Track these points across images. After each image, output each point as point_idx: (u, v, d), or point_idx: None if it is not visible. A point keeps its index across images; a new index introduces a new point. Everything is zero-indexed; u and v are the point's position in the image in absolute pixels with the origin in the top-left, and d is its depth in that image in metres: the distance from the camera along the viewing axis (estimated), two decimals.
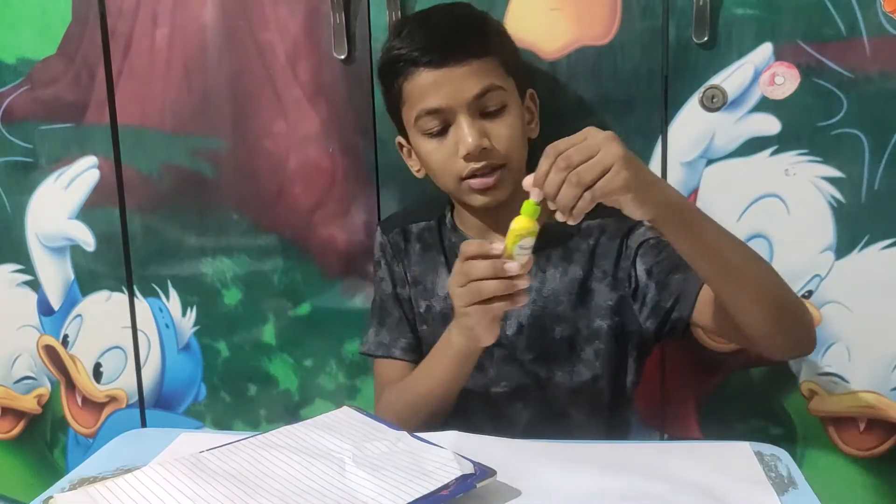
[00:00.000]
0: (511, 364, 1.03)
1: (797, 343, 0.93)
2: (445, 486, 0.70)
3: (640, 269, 0.99)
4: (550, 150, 0.78)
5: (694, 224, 0.83)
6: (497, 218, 1.01)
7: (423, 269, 1.07)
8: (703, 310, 0.94)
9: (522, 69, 1.03)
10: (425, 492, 0.69)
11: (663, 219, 0.82)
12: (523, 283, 0.82)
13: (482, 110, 0.95)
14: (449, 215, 1.09)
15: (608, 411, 1.03)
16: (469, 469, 0.73)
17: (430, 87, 0.94)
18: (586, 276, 1.01)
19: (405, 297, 1.09)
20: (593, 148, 0.76)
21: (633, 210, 0.79)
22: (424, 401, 0.97)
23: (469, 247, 0.83)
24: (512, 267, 0.81)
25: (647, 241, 1.00)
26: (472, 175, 0.95)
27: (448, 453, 0.76)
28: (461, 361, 0.93)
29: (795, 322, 0.90)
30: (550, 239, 1.01)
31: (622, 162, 0.75)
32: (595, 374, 1.02)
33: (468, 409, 1.02)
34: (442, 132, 0.96)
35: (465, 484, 0.71)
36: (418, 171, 1.04)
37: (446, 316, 1.03)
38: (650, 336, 1.01)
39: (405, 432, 0.82)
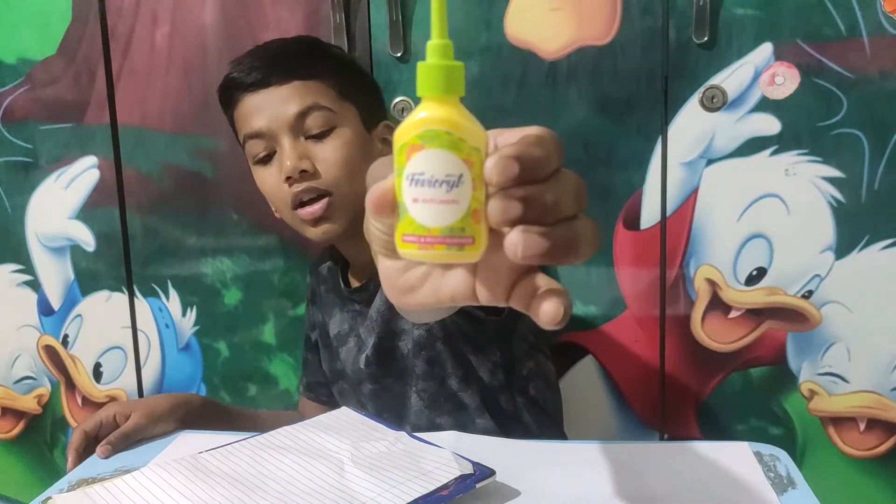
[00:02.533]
0: (378, 394, 0.98)
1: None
2: (445, 486, 0.70)
3: None
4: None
5: None
6: (352, 257, 1.00)
7: (324, 310, 1.06)
8: None
9: (373, 100, 0.99)
10: (424, 492, 0.69)
11: None
12: None
13: (307, 132, 0.91)
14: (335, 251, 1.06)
15: (506, 410, 0.96)
16: (468, 469, 0.73)
17: (253, 110, 0.91)
18: None
19: (312, 339, 1.11)
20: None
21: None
22: None
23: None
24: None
25: None
26: (300, 203, 0.90)
27: (447, 453, 0.76)
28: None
29: None
30: None
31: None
32: (462, 381, 0.94)
33: None
34: (268, 158, 0.92)
35: (464, 484, 0.71)
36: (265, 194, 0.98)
37: (335, 355, 1.03)
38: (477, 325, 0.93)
39: (404, 432, 0.82)
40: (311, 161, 0.90)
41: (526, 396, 0.98)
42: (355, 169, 0.91)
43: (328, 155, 0.91)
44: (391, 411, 0.98)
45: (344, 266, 1.05)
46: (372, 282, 0.98)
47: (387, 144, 0.97)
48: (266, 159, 0.93)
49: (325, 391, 1.11)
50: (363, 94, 0.97)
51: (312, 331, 1.11)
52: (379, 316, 0.95)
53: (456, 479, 0.71)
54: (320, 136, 0.91)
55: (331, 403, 1.11)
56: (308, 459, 0.76)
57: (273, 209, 0.99)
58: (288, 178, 0.90)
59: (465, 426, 0.94)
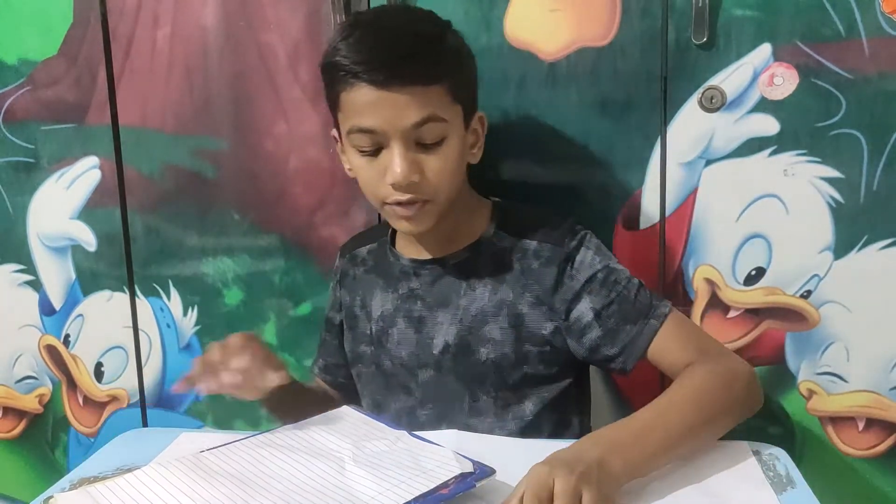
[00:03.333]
0: (436, 386, 1.00)
1: (755, 410, 0.89)
2: (445, 485, 0.70)
3: (586, 306, 0.94)
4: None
5: (661, 457, 0.78)
6: (425, 240, 1.00)
7: (365, 294, 1.06)
8: (650, 361, 0.93)
9: (473, 91, 0.97)
10: (425, 490, 0.69)
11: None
12: None
13: (418, 140, 0.89)
14: (389, 233, 1.06)
15: (536, 428, 0.98)
16: (469, 468, 0.73)
17: (367, 106, 0.88)
18: (516, 298, 0.97)
19: (335, 321, 1.11)
20: None
21: None
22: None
23: None
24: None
25: (595, 275, 0.94)
26: (397, 202, 0.91)
27: (448, 452, 0.76)
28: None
29: (747, 407, 0.88)
30: (484, 256, 0.99)
31: None
32: (520, 397, 0.98)
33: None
34: (374, 153, 0.90)
35: (464, 483, 0.71)
36: (349, 170, 0.97)
37: (379, 338, 1.03)
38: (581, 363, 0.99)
39: (405, 431, 0.82)
40: (420, 170, 0.90)
41: (577, 420, 1.03)
42: (455, 175, 0.93)
43: (436, 166, 0.90)
44: (440, 406, 1.00)
45: (391, 245, 1.05)
46: (450, 256, 0.99)
47: (475, 136, 0.98)
48: (369, 152, 0.91)
49: (342, 373, 1.12)
50: (468, 90, 0.96)
51: (338, 312, 1.10)
52: (479, 313, 0.97)
53: (456, 477, 0.71)
54: (431, 147, 0.90)
55: (346, 387, 1.12)
56: (309, 458, 0.77)
57: (349, 172, 0.98)
58: (394, 184, 0.89)
59: (519, 435, 0.96)
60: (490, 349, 0.97)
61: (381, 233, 1.08)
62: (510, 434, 0.96)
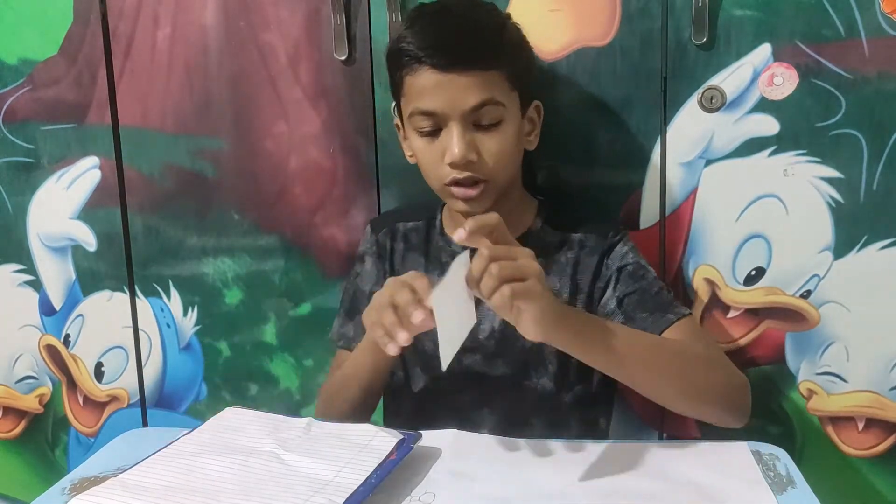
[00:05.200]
0: (480, 370, 1.02)
1: (721, 422, 0.92)
2: (391, 454, 0.76)
3: (611, 293, 0.99)
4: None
5: (599, 352, 0.83)
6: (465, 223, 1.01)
7: (406, 270, 1.05)
8: None
9: (531, 80, 1.01)
10: (377, 462, 0.74)
11: (559, 344, 0.82)
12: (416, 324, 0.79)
13: (476, 122, 0.93)
14: (439, 217, 1.08)
15: (573, 424, 1.02)
16: (398, 435, 0.79)
17: (429, 88, 0.92)
18: (562, 288, 1.01)
19: (367, 291, 1.08)
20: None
21: (528, 326, 0.77)
22: (349, 382, 0.99)
23: (414, 279, 0.82)
24: (416, 316, 0.79)
25: (626, 266, 1.00)
26: (456, 183, 0.95)
27: (369, 426, 0.81)
28: (377, 352, 0.92)
29: (718, 412, 0.91)
30: (532, 247, 1.00)
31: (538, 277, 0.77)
32: (559, 387, 1.01)
33: (432, 411, 1.03)
34: (433, 133, 0.95)
35: (405, 447, 0.77)
36: (410, 156, 1.02)
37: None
38: None
39: (309, 418, 0.84)
40: (477, 151, 0.93)
41: (604, 422, 1.07)
42: (511, 160, 0.97)
43: (492, 147, 0.94)
44: (482, 389, 1.01)
45: (440, 227, 1.07)
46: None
47: (532, 124, 1.01)
48: (429, 133, 0.95)
49: None
50: (526, 79, 0.99)
51: (375, 285, 1.08)
52: None
53: (395, 445, 0.77)
54: (488, 128, 0.94)
55: None
56: (240, 457, 0.76)
57: (410, 158, 1.02)
58: (452, 164, 0.93)
59: (552, 428, 1.00)
60: None
61: (421, 213, 1.09)
62: (546, 423, 1.00)
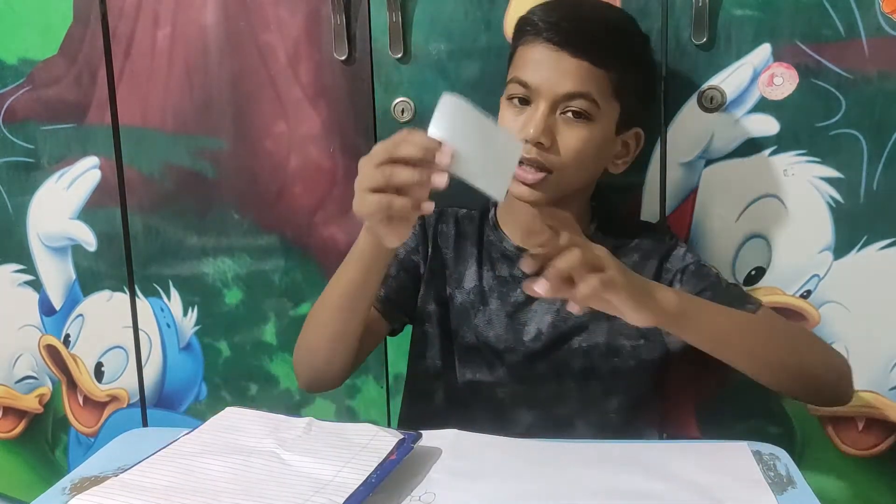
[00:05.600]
0: (523, 369, 1.01)
1: (829, 400, 0.96)
2: (391, 453, 0.75)
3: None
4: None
5: (696, 324, 0.84)
6: (524, 221, 1.01)
7: (455, 257, 1.05)
8: None
9: (642, 106, 1.00)
10: (378, 462, 0.73)
11: (662, 324, 0.83)
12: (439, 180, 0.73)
13: (564, 109, 0.92)
14: (493, 210, 1.07)
15: (618, 428, 1.02)
16: (398, 435, 0.79)
17: (535, 60, 0.92)
18: None
19: (417, 264, 1.05)
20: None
21: (629, 314, 0.79)
22: (337, 303, 0.93)
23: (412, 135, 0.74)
24: (442, 159, 0.72)
25: (688, 266, 0.99)
26: (519, 161, 0.89)
27: (369, 426, 0.80)
28: (367, 263, 0.88)
29: (824, 385, 0.92)
30: None
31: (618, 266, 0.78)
32: (606, 391, 1.01)
33: (470, 404, 1.03)
34: (522, 103, 0.94)
35: (405, 447, 0.77)
36: None
37: (467, 311, 1.03)
38: (670, 355, 1.02)
39: (310, 417, 0.84)
40: (552, 138, 0.92)
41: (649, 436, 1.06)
42: (585, 163, 0.95)
43: (569, 141, 0.93)
44: (524, 388, 1.01)
45: (493, 220, 1.05)
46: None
47: (625, 149, 1.00)
48: (517, 103, 0.95)
49: (399, 312, 1.04)
50: (635, 96, 0.97)
51: (423, 259, 1.05)
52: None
53: (396, 444, 0.77)
54: (573, 121, 0.93)
55: (394, 324, 1.05)
56: (241, 457, 0.76)
57: None
58: (523, 139, 0.91)
59: (595, 431, 1.00)
60: (584, 338, 1.00)
61: (478, 203, 1.07)
62: (589, 426, 1.00)
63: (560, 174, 0.94)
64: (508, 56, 1.00)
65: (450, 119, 0.74)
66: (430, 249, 1.05)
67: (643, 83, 1.00)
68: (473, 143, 0.74)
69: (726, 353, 0.87)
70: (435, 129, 0.74)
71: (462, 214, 1.07)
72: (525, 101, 0.94)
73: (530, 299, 1.00)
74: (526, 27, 0.95)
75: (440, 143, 0.73)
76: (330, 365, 0.97)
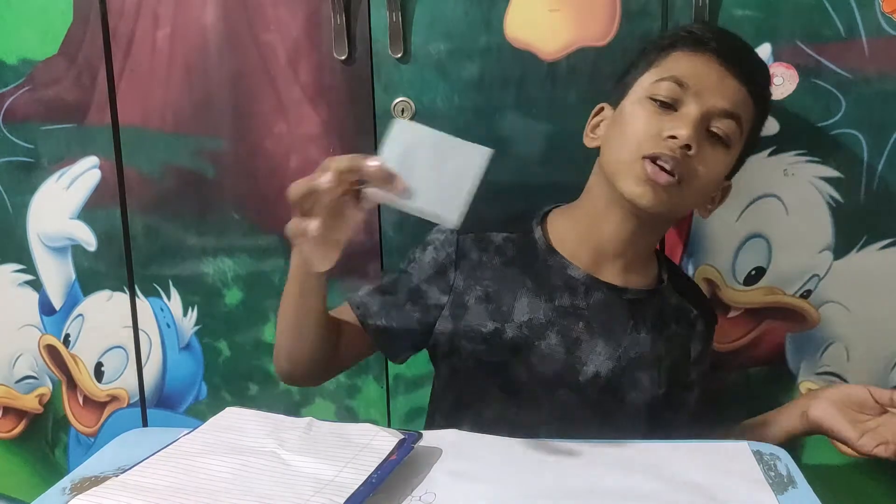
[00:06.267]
0: (571, 410, 0.96)
1: None
2: (392, 453, 0.75)
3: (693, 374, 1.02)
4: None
5: None
6: (599, 253, 0.96)
7: (501, 288, 0.96)
8: None
9: (745, 153, 0.96)
10: (378, 462, 0.73)
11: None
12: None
13: (709, 127, 0.89)
14: (539, 230, 0.99)
15: None
16: (399, 435, 0.78)
17: (698, 66, 0.89)
18: (670, 354, 0.98)
19: (430, 301, 0.98)
20: None
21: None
22: (283, 314, 0.93)
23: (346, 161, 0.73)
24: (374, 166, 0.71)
25: (702, 368, 1.02)
26: (654, 158, 0.87)
27: (370, 426, 0.80)
28: (301, 284, 0.88)
29: None
30: (655, 303, 0.98)
31: None
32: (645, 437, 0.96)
33: (503, 432, 0.92)
34: (665, 106, 0.89)
35: (405, 447, 0.76)
36: (593, 139, 0.97)
37: (518, 346, 0.95)
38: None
39: (310, 417, 0.83)
40: (699, 147, 0.88)
41: None
42: (708, 188, 0.92)
43: (709, 158, 0.90)
44: (566, 427, 0.95)
45: (544, 241, 0.98)
46: (633, 290, 0.96)
47: (719, 195, 0.97)
48: (662, 104, 0.90)
49: (390, 338, 1.00)
50: (751, 146, 0.96)
51: (444, 293, 0.97)
52: (638, 357, 0.96)
53: (397, 444, 0.76)
54: (715, 141, 0.90)
55: (381, 338, 1.00)
56: (241, 457, 0.76)
57: (591, 141, 0.98)
58: (671, 138, 0.87)
59: None
60: (637, 395, 0.96)
61: (514, 226, 1.00)
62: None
63: (687, 188, 0.89)
64: (645, 58, 0.94)
65: (400, 142, 0.72)
66: (461, 281, 0.97)
67: (758, 131, 0.96)
68: (427, 163, 0.72)
69: None
70: (387, 153, 0.73)
71: (502, 239, 0.98)
72: (669, 106, 0.89)
73: (593, 335, 0.95)
74: (685, 35, 0.92)
75: (380, 167, 0.71)
76: (294, 365, 0.96)
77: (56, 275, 1.29)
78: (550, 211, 1.03)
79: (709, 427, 1.01)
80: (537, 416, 0.96)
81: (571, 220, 0.99)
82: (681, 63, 0.90)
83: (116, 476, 0.74)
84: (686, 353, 1.00)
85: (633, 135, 0.90)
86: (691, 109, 0.88)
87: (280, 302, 0.94)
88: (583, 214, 0.98)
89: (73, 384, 1.33)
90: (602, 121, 0.98)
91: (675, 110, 0.89)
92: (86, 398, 1.33)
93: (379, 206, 1.18)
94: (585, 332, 0.95)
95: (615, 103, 0.96)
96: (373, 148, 1.16)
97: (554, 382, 0.95)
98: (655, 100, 0.90)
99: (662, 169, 0.87)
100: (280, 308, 0.94)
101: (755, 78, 0.91)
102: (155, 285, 1.27)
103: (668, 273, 1.00)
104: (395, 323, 0.99)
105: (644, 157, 0.88)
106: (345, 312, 1.01)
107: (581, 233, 0.97)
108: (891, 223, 1.08)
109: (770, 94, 0.96)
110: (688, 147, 0.87)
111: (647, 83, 0.91)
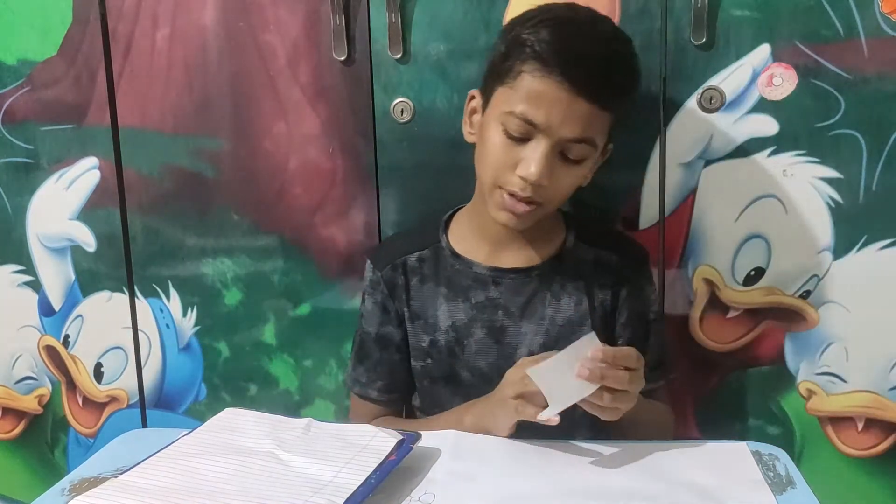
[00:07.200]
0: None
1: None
2: (391, 454, 0.76)
3: (622, 332, 1.02)
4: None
5: (630, 425, 0.89)
6: (506, 246, 1.01)
7: (423, 304, 1.03)
8: None
9: (621, 122, 0.96)
10: (377, 462, 0.74)
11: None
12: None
13: (563, 151, 0.90)
14: (444, 239, 1.04)
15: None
16: (397, 436, 0.79)
17: (545, 98, 0.87)
18: (598, 309, 1.01)
19: (395, 337, 1.05)
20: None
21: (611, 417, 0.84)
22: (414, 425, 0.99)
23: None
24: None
25: (646, 316, 1.03)
26: (512, 194, 0.91)
27: (369, 427, 0.81)
28: (472, 429, 0.90)
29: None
30: (567, 266, 1.01)
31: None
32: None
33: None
34: (518, 140, 0.90)
35: (404, 448, 0.77)
36: (471, 134, 0.98)
37: (451, 349, 1.01)
38: None
39: (309, 418, 0.84)
40: (549, 179, 0.90)
41: None
42: (569, 192, 0.95)
43: (565, 180, 0.93)
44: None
45: (451, 250, 1.03)
46: (536, 266, 1.00)
47: (589, 176, 0.98)
48: (514, 137, 0.90)
49: (408, 389, 1.08)
50: (621, 124, 0.96)
51: (397, 327, 1.05)
52: (566, 323, 0.99)
53: (395, 445, 0.77)
54: (570, 161, 0.92)
55: (401, 404, 1.10)
56: (240, 458, 0.76)
57: (469, 136, 0.99)
58: (522, 178, 0.90)
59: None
60: None
61: (421, 239, 1.05)
62: (580, 433, 0.98)
63: (548, 206, 0.94)
64: (499, 65, 0.93)
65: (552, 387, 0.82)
66: (400, 309, 1.04)
67: (631, 100, 0.96)
68: (565, 382, 0.81)
69: (626, 433, 0.92)
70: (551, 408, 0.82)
71: (416, 259, 1.04)
72: (521, 139, 0.90)
73: (515, 320, 1.00)
74: (532, 52, 0.88)
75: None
76: None
77: (55, 275, 1.29)
78: (455, 214, 1.07)
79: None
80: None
81: (467, 218, 1.04)
82: (528, 92, 0.88)
83: (116, 477, 0.74)
84: (612, 303, 1.01)
85: (490, 161, 0.93)
86: (541, 145, 0.89)
87: (430, 418, 1.02)
88: (475, 211, 1.03)
89: (72, 385, 1.33)
90: (475, 113, 0.98)
91: (530, 139, 0.90)
92: (85, 399, 1.33)
93: (378, 207, 1.18)
94: (507, 318, 1.00)
95: (486, 93, 0.95)
96: (372, 148, 1.17)
97: (494, 373, 0.97)
98: (507, 133, 0.91)
99: (519, 202, 0.91)
100: (428, 421, 1.01)
101: (606, 91, 0.89)
102: (154, 286, 1.27)
103: (575, 233, 1.03)
104: (388, 377, 1.06)
105: (500, 188, 0.92)
106: (356, 404, 1.10)
107: (476, 228, 1.03)
108: (890, 223, 1.08)
109: (636, 79, 0.94)
110: (537, 185, 0.90)
111: (501, 102, 0.91)
